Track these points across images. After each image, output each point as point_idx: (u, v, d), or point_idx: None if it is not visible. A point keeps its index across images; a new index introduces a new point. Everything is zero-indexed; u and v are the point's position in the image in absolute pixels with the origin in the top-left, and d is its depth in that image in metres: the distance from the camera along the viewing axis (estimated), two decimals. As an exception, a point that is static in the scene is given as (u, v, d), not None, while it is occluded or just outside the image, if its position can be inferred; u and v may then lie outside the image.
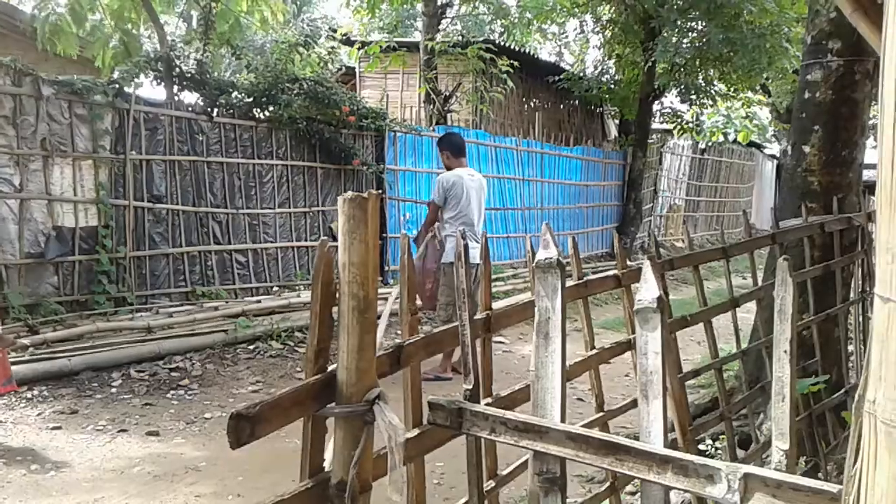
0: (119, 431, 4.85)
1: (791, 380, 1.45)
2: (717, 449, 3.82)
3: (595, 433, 1.46)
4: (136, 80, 8.01)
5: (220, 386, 5.99)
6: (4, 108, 6.73)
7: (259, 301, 8.03)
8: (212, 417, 5.24)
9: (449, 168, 6.59)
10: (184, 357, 6.41)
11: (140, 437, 4.77)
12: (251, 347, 6.90)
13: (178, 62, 8.38)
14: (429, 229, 6.70)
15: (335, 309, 1.50)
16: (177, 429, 4.98)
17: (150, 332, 6.71)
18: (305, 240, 9.29)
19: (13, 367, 5.10)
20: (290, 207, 9.10)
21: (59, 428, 4.86)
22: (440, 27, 12.77)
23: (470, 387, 1.79)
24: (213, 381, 6.06)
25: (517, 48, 14.35)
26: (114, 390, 5.67)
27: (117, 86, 7.52)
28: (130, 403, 5.42)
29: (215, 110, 8.39)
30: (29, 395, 5.36)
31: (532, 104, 15.76)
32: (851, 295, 4.38)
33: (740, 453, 3.64)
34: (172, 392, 5.73)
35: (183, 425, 5.04)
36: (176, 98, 8.38)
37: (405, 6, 14.66)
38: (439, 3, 12.62)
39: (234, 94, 8.67)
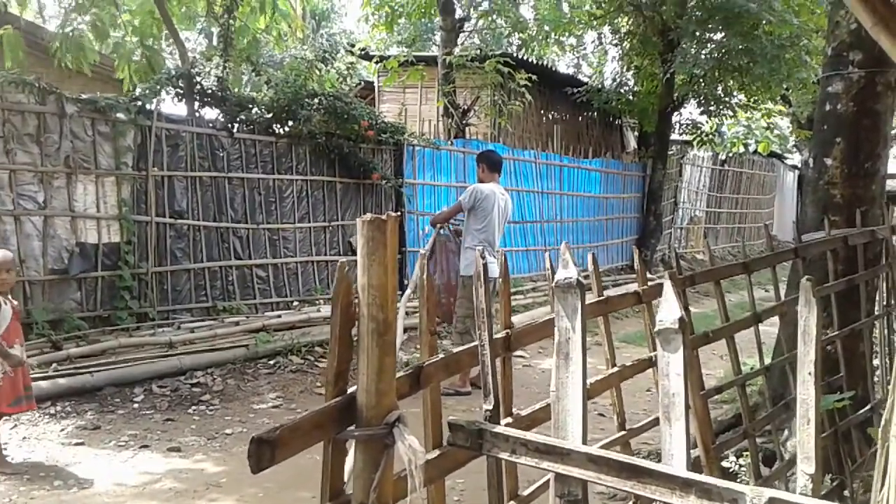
0: (141, 447, 4.87)
1: (816, 402, 1.43)
2: (740, 466, 3.77)
3: (617, 455, 1.45)
4: (157, 97, 8.11)
5: (241, 401, 6.01)
6: (29, 126, 6.83)
7: (279, 316, 8.06)
8: (233, 433, 5.25)
9: (482, 181, 6.61)
10: (205, 372, 6.43)
11: (162, 453, 4.79)
12: (272, 362, 6.92)
13: (198, 79, 8.48)
14: (442, 224, 6.74)
15: (354, 330, 1.51)
16: (198, 444, 5.00)
17: (171, 347, 6.75)
18: (325, 254, 9.32)
19: (37, 383, 5.15)
20: (309, 222, 9.14)
21: (81, 444, 4.89)
22: (458, 41, 12.81)
23: (490, 407, 1.78)
24: (234, 396, 6.08)
25: (535, 61, 14.35)
26: (136, 406, 5.70)
27: (139, 103, 7.60)
28: (152, 419, 5.45)
29: (235, 126, 8.47)
30: (52, 411, 5.41)
31: (550, 116, 15.75)
32: (876, 309, 4.32)
33: (764, 471, 3.60)
34: (194, 407, 5.75)
35: (204, 441, 5.06)
36: (197, 114, 8.47)
37: (423, 21, 14.74)
38: (457, 18, 12.67)
39: (254, 109, 8.75)
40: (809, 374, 1.45)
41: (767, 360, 3.75)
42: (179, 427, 5.32)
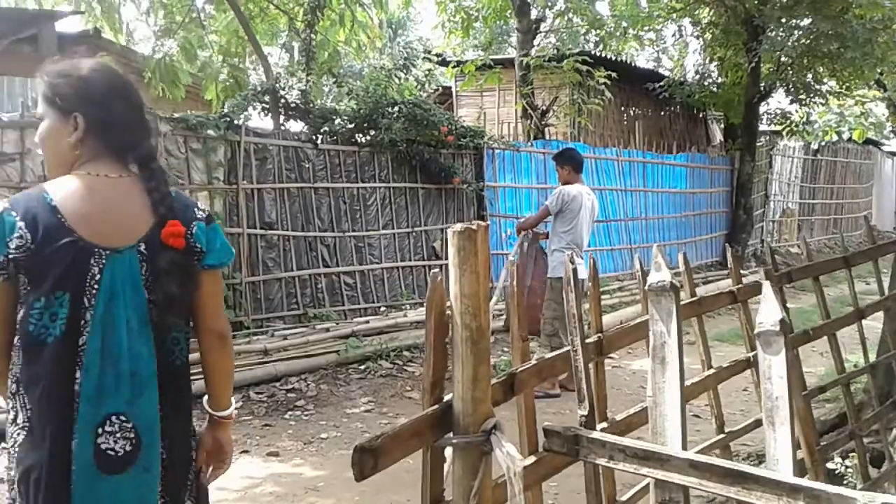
0: (241, 452, 5.03)
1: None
2: (847, 468, 3.63)
3: (719, 461, 1.42)
4: (245, 112, 8.37)
5: (335, 406, 6.14)
6: (126, 146, 7.15)
7: (367, 321, 8.19)
8: (328, 437, 5.37)
9: (567, 184, 6.55)
10: (299, 378, 6.60)
11: (261, 458, 4.94)
12: (362, 367, 7.05)
13: (283, 93, 8.72)
14: (529, 230, 6.74)
15: (447, 338, 1.53)
16: (295, 449, 5.13)
17: (266, 354, 6.94)
18: (410, 259, 9.43)
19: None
20: (393, 228, 9.27)
21: (185, 450, 5.08)
22: (534, 42, 12.76)
23: (585, 413, 1.78)
24: (327, 402, 6.21)
25: (613, 57, 14.15)
26: (235, 412, 5.89)
27: (228, 119, 7.86)
28: (251, 425, 5.63)
29: (320, 137, 8.66)
30: (157, 418, 5.64)
31: (631, 113, 15.50)
32: None
33: (873, 472, 3.45)
34: (290, 413, 5.91)
35: (301, 445, 5.19)
36: (282, 128, 8.70)
37: (498, 24, 14.74)
38: (532, 19, 12.62)
39: (337, 120, 8.93)
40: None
41: (871, 357, 3.61)
42: (277, 432, 5.47)
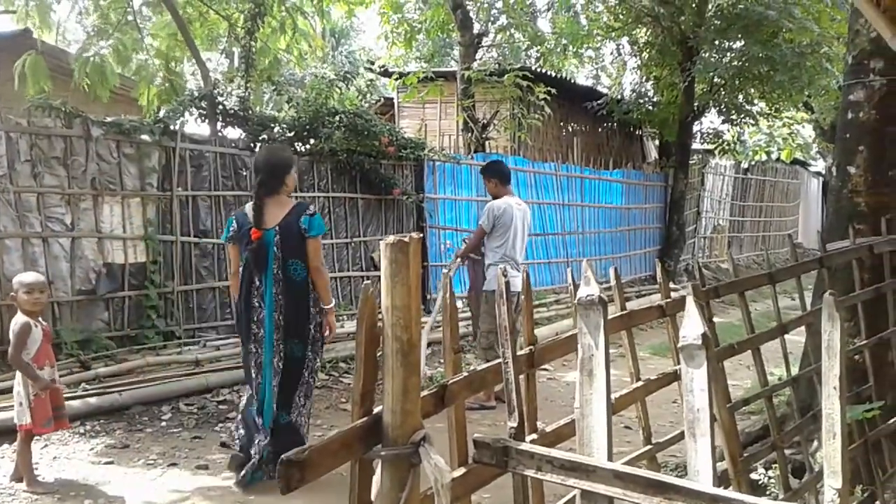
0: (169, 465, 4.91)
1: (842, 417, 1.42)
2: (770, 478, 3.73)
3: (643, 472, 1.45)
4: (181, 118, 8.22)
5: (267, 418, 6.02)
6: (55, 149, 6.95)
7: (303, 332, 8.09)
8: (259, 450, 5.26)
9: (496, 196, 6.58)
10: (231, 390, 6.48)
11: (190, 471, 4.83)
12: (296, 379, 6.94)
13: (221, 99, 8.59)
14: (469, 254, 6.75)
15: (379, 350, 1.52)
16: (225, 462, 5.00)
17: (198, 365, 6.81)
18: (348, 270, 9.37)
19: (68, 403, 5.21)
20: (332, 238, 9.20)
21: (111, 462, 4.94)
22: (476, 56, 12.88)
23: (515, 424, 1.79)
24: (259, 414, 6.10)
25: (553, 74, 14.39)
26: (163, 424, 5.75)
27: (163, 124, 7.71)
28: (180, 437, 5.50)
29: (258, 145, 8.55)
30: (82, 430, 5.47)
31: (570, 128, 15.76)
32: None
33: (794, 482, 3.56)
34: (220, 425, 5.79)
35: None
36: (220, 134, 8.57)
37: (441, 36, 14.84)
38: (475, 33, 12.74)
39: (276, 128, 8.84)
40: (834, 388, 1.44)
41: (794, 371, 3.73)
42: (207, 445, 5.36)
